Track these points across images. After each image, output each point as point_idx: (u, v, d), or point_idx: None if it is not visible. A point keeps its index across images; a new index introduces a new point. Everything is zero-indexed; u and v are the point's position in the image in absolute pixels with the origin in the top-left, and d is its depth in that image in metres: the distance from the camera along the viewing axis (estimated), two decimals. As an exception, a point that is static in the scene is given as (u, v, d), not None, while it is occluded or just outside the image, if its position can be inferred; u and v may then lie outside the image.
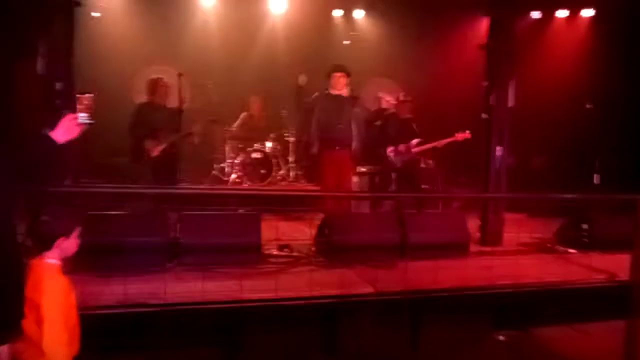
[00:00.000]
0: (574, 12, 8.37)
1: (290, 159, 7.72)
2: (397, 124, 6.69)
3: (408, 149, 6.55)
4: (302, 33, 8.35)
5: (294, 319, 3.30)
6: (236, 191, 5.88)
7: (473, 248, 4.92)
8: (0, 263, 2.08)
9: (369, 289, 3.55)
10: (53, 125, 2.49)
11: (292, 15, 8.40)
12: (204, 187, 6.67)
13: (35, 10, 4.35)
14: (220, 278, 3.60)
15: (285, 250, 4.52)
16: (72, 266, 3.45)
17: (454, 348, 3.97)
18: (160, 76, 5.99)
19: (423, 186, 7.08)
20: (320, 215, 4.91)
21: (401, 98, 6.76)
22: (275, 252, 4.37)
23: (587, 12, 8.26)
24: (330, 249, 4.30)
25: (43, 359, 2.28)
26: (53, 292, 2.30)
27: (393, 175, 6.64)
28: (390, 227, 4.54)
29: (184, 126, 6.12)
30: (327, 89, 5.75)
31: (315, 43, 8.46)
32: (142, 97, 6.21)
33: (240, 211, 4.97)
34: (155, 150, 5.82)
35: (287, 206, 6.55)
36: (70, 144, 2.60)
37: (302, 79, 7.64)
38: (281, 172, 7.57)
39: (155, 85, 5.96)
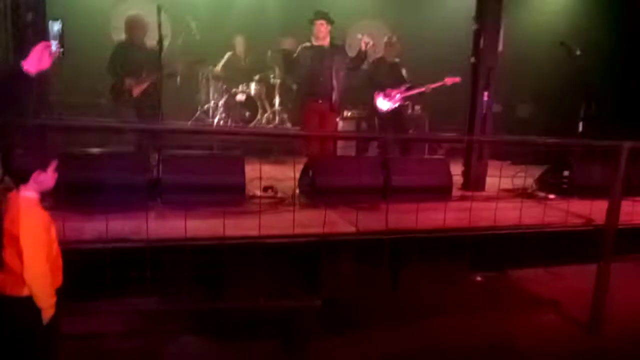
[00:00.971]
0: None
1: (276, 101, 7.60)
2: (385, 69, 6.58)
3: (396, 94, 6.48)
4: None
5: (276, 257, 3.33)
6: (219, 130, 5.79)
7: (456, 193, 4.98)
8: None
9: (351, 229, 3.59)
10: (24, 56, 2.41)
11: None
12: (184, 127, 6.55)
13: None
14: (203, 216, 3.60)
15: (270, 191, 4.53)
16: (53, 202, 3.46)
17: (433, 288, 4.10)
18: (138, 13, 5.79)
19: (410, 132, 7.08)
20: (304, 160, 4.90)
21: (389, 40, 6.62)
22: (259, 193, 4.37)
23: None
24: (314, 191, 4.31)
25: (25, 289, 2.31)
26: (31, 224, 2.30)
27: (379, 120, 6.61)
28: (373, 170, 4.55)
29: (166, 66, 5.96)
30: (309, 40, 5.70)
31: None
32: (120, 35, 6.03)
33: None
34: (136, 90, 5.73)
35: (272, 150, 6.55)
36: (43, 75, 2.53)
37: (290, 43, 7.37)
38: (266, 115, 7.48)
39: (133, 24, 5.77)
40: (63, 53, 2.55)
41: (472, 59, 5.23)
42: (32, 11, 4.03)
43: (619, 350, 3.50)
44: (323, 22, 5.59)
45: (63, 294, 2.48)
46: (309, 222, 3.67)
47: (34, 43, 2.46)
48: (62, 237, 2.78)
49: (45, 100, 4.65)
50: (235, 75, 7.53)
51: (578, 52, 5.49)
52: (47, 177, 2.42)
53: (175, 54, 7.14)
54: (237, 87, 7.35)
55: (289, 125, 7.59)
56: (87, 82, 6.37)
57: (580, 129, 5.58)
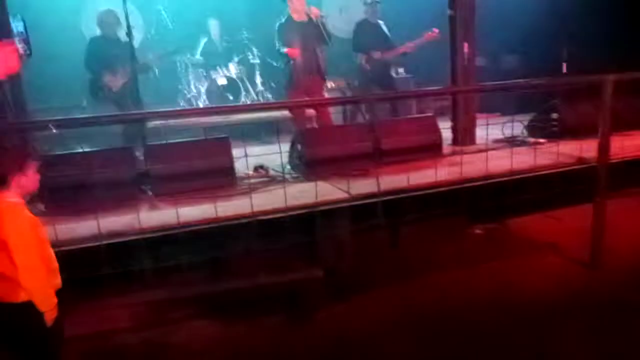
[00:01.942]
0: None
1: (258, 81, 7.51)
2: (368, 30, 6.50)
3: (381, 55, 6.41)
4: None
5: (272, 233, 3.33)
6: (204, 111, 5.71)
7: (446, 149, 4.96)
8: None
9: (344, 196, 3.58)
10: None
11: None
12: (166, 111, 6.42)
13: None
14: (195, 203, 3.59)
15: (260, 170, 4.50)
16: (42, 207, 3.44)
17: (433, 245, 4.11)
18: (110, 8, 5.71)
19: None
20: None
21: (371, 1, 6.52)
22: (250, 172, 4.35)
23: None
24: (304, 163, 4.29)
25: (22, 294, 2.30)
26: (18, 228, 2.27)
27: (367, 82, 6.53)
28: (362, 136, 4.52)
29: (141, 58, 5.88)
30: (289, 14, 5.60)
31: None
32: (93, 31, 5.95)
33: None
34: (115, 86, 5.68)
35: (259, 132, 6.49)
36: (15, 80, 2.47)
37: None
38: (250, 96, 7.40)
39: (106, 18, 5.72)
40: (29, 54, 2.48)
41: (450, 11, 5.14)
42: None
43: (619, 281, 3.54)
44: None
45: (64, 296, 2.47)
46: (301, 194, 3.66)
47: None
48: (56, 240, 2.78)
49: (23, 109, 4.56)
50: (213, 60, 7.43)
51: None
52: (28, 180, 2.39)
53: (150, 45, 7.04)
54: (217, 72, 7.25)
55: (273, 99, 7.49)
56: (63, 83, 6.21)
57: (565, 69, 5.53)
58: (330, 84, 7.30)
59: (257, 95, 7.44)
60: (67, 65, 5.98)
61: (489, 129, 5.29)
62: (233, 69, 7.30)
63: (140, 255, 3.20)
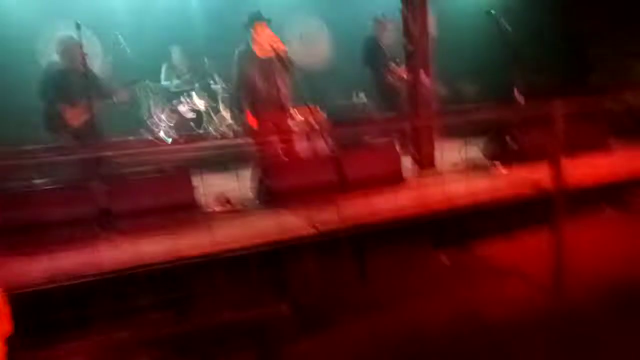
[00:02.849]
0: None
1: (220, 108, 7.43)
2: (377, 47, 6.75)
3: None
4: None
5: (238, 269, 3.28)
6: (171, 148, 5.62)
7: (406, 173, 5.05)
8: None
9: (310, 230, 3.58)
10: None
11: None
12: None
13: None
14: (158, 240, 3.51)
15: (227, 205, 4.43)
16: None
17: (400, 273, 4.14)
18: (68, 34, 5.41)
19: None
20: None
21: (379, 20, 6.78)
22: (216, 208, 4.30)
23: None
24: (269, 194, 4.28)
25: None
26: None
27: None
28: (324, 166, 4.55)
29: (103, 88, 5.74)
30: (246, 44, 5.27)
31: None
32: (49, 58, 5.68)
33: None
34: (76, 120, 5.42)
35: (222, 161, 6.38)
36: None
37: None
38: (212, 123, 7.30)
39: (64, 46, 5.42)
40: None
41: (409, 47, 5.28)
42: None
43: (581, 308, 3.64)
44: (263, 23, 5.14)
45: (16, 343, 2.35)
46: (267, 228, 3.64)
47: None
48: (9, 282, 2.64)
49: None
50: (175, 86, 7.35)
51: (500, 19, 5.69)
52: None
53: (108, 72, 6.88)
54: (179, 99, 7.18)
55: (237, 129, 7.43)
56: (16, 114, 5.94)
57: (516, 94, 5.75)
58: (297, 116, 7.20)
59: (219, 121, 7.38)
60: (21, 94, 5.70)
61: (447, 153, 5.50)
62: (196, 97, 7.23)
63: (100, 296, 3.10)
